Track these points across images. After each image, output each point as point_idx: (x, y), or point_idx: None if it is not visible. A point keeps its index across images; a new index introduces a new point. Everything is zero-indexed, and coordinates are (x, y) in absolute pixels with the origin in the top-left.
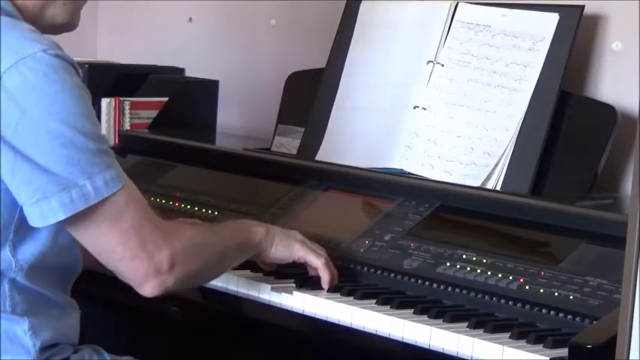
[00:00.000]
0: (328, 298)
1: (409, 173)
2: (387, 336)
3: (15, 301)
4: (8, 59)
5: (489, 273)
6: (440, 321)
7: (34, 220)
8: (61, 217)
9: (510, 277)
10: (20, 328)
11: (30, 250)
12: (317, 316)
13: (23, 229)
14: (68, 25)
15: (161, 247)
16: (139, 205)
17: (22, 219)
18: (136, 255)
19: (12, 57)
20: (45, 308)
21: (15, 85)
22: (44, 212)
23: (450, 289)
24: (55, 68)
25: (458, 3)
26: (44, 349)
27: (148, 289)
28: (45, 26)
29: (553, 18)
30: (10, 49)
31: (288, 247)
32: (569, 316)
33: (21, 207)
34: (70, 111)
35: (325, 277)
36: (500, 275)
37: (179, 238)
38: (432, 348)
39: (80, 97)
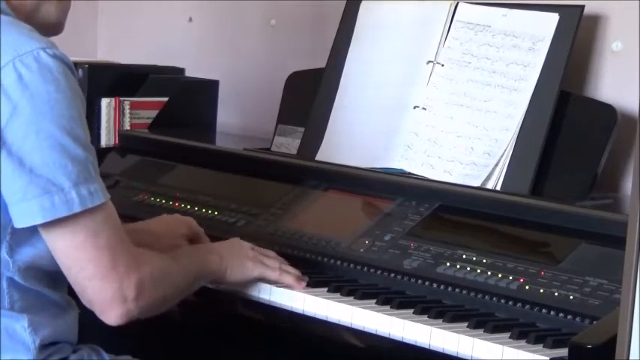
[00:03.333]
0: (328, 298)
1: (409, 173)
2: (387, 336)
3: (13, 298)
4: (6, 56)
5: (489, 273)
6: (440, 321)
7: (15, 220)
8: (39, 220)
9: (510, 277)
10: (20, 325)
11: (27, 253)
12: (317, 316)
13: (19, 234)
14: (57, 26)
15: (131, 272)
16: (116, 225)
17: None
18: (106, 276)
19: (10, 54)
20: (43, 306)
21: (9, 82)
22: (23, 214)
23: (450, 289)
24: (50, 68)
25: (458, 3)
26: (43, 347)
27: (113, 316)
28: (36, 26)
29: (553, 18)
30: (8, 46)
31: (242, 269)
32: (569, 316)
33: None
34: (61, 113)
35: (289, 282)
36: (500, 275)
37: (147, 266)
38: (432, 348)
39: (73, 100)
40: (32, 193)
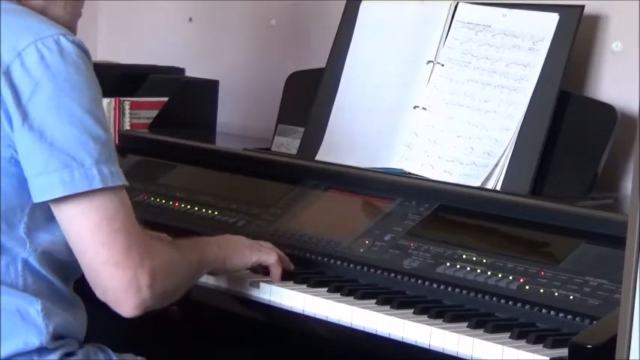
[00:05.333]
0: (328, 298)
1: (409, 173)
2: (387, 336)
3: (27, 281)
4: (28, 38)
5: (489, 273)
6: (440, 321)
7: (34, 194)
8: (59, 194)
9: (510, 277)
10: (33, 308)
11: (44, 238)
12: (317, 316)
13: (37, 217)
14: (68, 28)
15: (145, 260)
16: (130, 212)
17: (35, 207)
18: (120, 262)
19: (31, 36)
20: (54, 296)
21: (31, 62)
22: (43, 187)
23: (450, 289)
24: (70, 52)
25: (458, 3)
26: (54, 337)
27: (128, 307)
28: None
29: (553, 18)
30: (29, 30)
31: (240, 256)
32: (569, 316)
33: None
34: (82, 93)
35: (275, 272)
36: (500, 275)
37: (159, 255)
38: (432, 348)
39: (93, 83)
40: (53, 166)
